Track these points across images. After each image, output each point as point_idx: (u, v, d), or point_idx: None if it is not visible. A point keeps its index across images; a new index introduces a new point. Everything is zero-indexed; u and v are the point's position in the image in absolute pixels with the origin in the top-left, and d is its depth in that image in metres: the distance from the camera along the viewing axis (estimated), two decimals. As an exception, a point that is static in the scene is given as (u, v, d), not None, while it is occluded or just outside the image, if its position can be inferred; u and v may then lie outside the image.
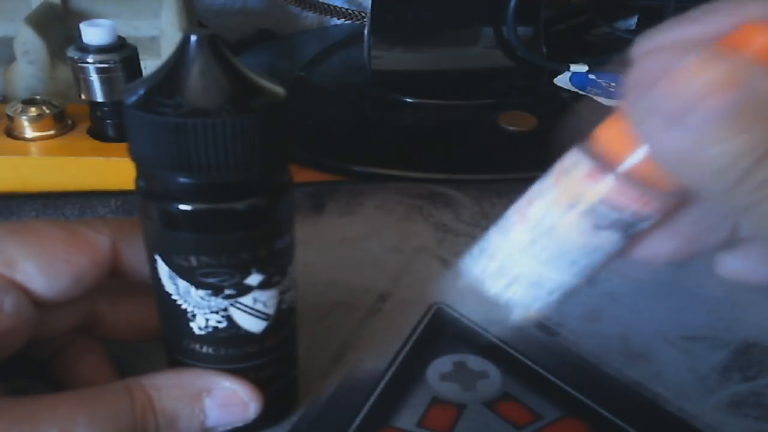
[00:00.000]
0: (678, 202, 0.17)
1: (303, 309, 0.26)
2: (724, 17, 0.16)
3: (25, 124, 0.41)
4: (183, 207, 0.21)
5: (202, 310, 0.23)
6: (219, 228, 0.21)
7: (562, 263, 0.17)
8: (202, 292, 0.22)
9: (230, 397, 0.24)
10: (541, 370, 0.30)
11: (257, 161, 0.20)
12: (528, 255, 0.17)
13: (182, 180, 0.20)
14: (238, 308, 0.23)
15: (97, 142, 0.41)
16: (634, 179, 0.16)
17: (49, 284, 0.23)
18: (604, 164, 0.16)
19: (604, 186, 0.16)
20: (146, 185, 0.21)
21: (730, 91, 0.14)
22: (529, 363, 0.30)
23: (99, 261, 0.24)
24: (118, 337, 0.27)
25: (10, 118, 0.41)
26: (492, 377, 0.29)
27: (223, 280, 0.22)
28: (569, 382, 0.29)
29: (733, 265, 0.19)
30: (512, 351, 0.30)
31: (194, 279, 0.22)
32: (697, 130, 0.14)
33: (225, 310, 0.23)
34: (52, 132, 0.41)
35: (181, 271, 0.22)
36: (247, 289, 0.22)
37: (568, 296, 0.18)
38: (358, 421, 0.27)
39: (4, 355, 0.23)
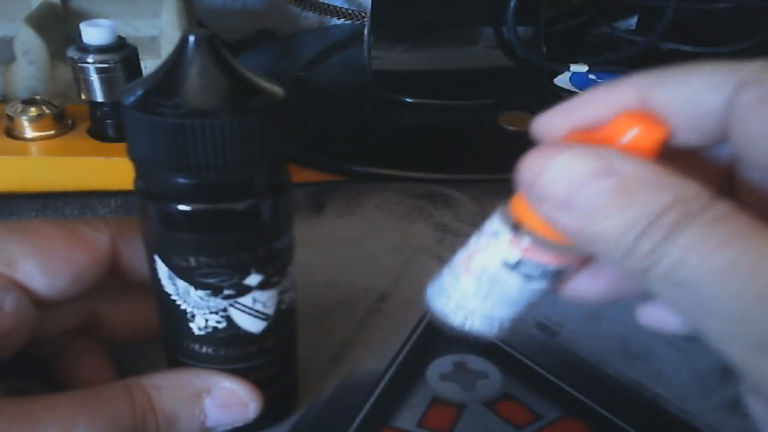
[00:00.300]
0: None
1: (303, 309, 0.26)
2: (604, 105, 0.18)
3: (25, 124, 0.41)
4: (182, 207, 0.21)
5: (201, 310, 0.23)
6: (218, 228, 0.21)
7: (506, 303, 0.20)
8: (201, 293, 0.22)
9: (230, 397, 0.24)
10: (541, 370, 0.30)
11: (256, 162, 0.20)
12: (476, 298, 0.20)
13: (181, 180, 0.20)
14: (238, 308, 0.23)
15: (97, 142, 0.41)
16: (546, 242, 0.18)
17: (50, 283, 0.23)
18: (522, 231, 0.19)
19: (523, 249, 0.19)
20: (145, 185, 0.21)
21: (601, 179, 0.16)
22: (529, 363, 0.30)
23: (99, 259, 0.24)
24: (118, 337, 0.27)
25: (10, 118, 0.41)
26: (492, 377, 0.29)
27: (223, 281, 0.22)
28: (569, 382, 0.29)
29: (650, 315, 0.20)
30: (512, 351, 0.30)
31: (193, 279, 0.22)
32: (582, 213, 0.16)
33: (224, 310, 0.23)
34: (52, 132, 0.41)
35: (180, 271, 0.22)
36: (246, 290, 0.22)
37: (518, 320, 0.21)
38: (358, 421, 0.27)
39: (5, 355, 0.23)
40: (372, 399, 0.28)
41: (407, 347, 0.31)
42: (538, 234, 0.18)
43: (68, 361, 0.26)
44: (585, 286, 0.20)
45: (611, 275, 0.20)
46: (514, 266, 0.19)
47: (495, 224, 0.20)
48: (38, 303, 0.23)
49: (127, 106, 0.20)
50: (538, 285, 0.19)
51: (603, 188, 0.16)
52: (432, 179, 0.44)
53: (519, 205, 0.19)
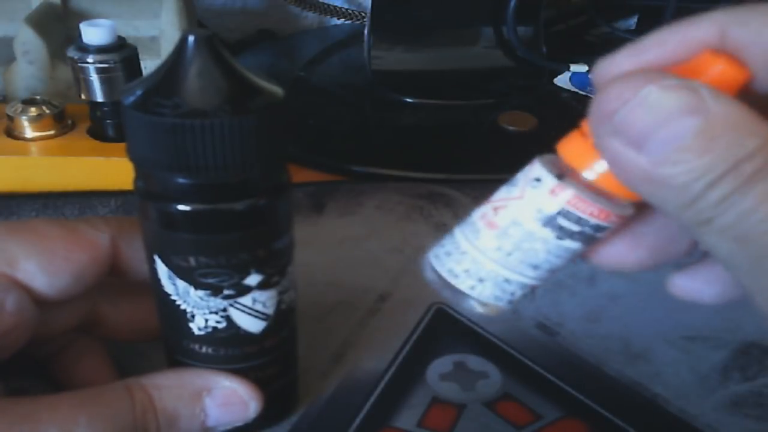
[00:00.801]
0: (638, 214, 0.18)
1: (303, 309, 0.26)
2: (679, 43, 0.17)
3: (25, 124, 0.41)
4: (181, 207, 0.21)
5: (201, 310, 0.23)
6: (217, 228, 0.21)
7: (525, 268, 0.18)
8: (201, 293, 0.22)
9: (230, 396, 0.24)
10: (541, 370, 0.30)
11: (255, 162, 0.20)
12: (494, 260, 0.18)
13: (180, 180, 0.20)
14: (238, 308, 0.23)
15: (97, 142, 0.41)
16: (594, 193, 0.17)
17: (50, 282, 0.23)
18: (567, 178, 0.17)
19: (567, 200, 0.17)
20: (145, 185, 0.21)
21: (688, 117, 0.15)
22: (529, 363, 0.30)
23: (99, 259, 0.24)
24: (118, 336, 0.27)
25: (10, 118, 0.41)
26: (492, 377, 0.29)
27: (222, 281, 0.22)
28: (569, 382, 0.29)
29: (684, 285, 0.20)
30: (512, 351, 0.30)
31: (193, 279, 0.22)
32: (656, 153, 0.15)
33: (224, 310, 0.23)
34: (52, 132, 0.41)
35: (179, 271, 0.22)
36: (246, 290, 0.22)
37: (528, 295, 0.19)
38: (358, 421, 0.27)
39: (5, 355, 0.23)
40: (372, 399, 0.28)
41: (407, 347, 0.31)
42: (588, 180, 0.17)
43: (69, 361, 0.26)
44: (623, 255, 0.19)
45: (652, 239, 0.19)
46: (551, 219, 0.17)
47: (535, 171, 0.18)
48: (39, 302, 0.23)
49: (127, 106, 0.20)
50: (569, 244, 0.18)
51: (688, 127, 0.15)
52: (432, 179, 0.44)
53: (571, 145, 0.17)
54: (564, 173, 0.18)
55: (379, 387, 0.29)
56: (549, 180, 0.17)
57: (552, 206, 0.17)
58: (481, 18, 0.56)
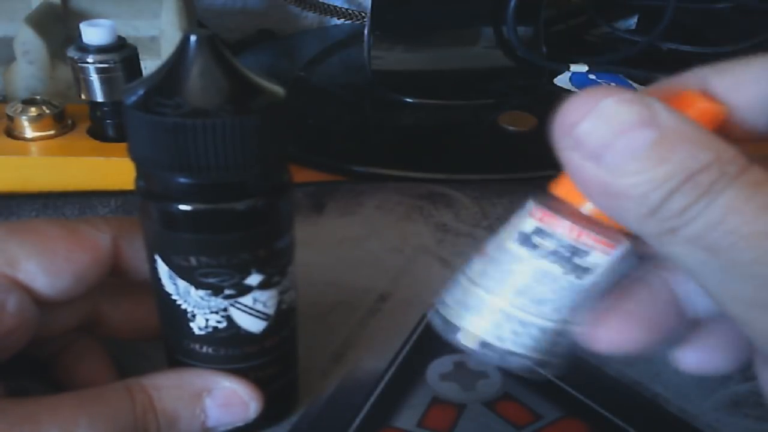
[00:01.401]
0: (621, 293, 0.19)
1: (303, 309, 0.26)
2: (667, 92, 0.18)
3: (25, 124, 0.41)
4: (182, 207, 0.21)
5: (201, 310, 0.23)
6: (218, 228, 0.21)
7: (527, 303, 0.18)
8: (201, 292, 0.22)
9: (231, 396, 0.24)
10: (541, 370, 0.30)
11: (256, 161, 0.20)
12: (488, 290, 0.19)
13: (181, 180, 0.20)
14: (238, 308, 0.23)
15: (97, 142, 0.41)
16: (567, 208, 0.18)
17: (51, 283, 0.23)
18: (545, 200, 0.18)
19: (539, 217, 0.18)
20: (146, 185, 0.21)
21: (643, 129, 0.15)
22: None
23: (100, 259, 0.24)
24: (119, 335, 0.27)
25: (10, 118, 0.41)
26: (492, 377, 0.29)
27: (223, 281, 0.22)
28: (569, 382, 0.29)
29: (693, 359, 0.20)
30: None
31: (194, 279, 0.22)
32: (613, 164, 0.15)
33: (225, 310, 0.23)
34: (52, 132, 0.41)
35: (180, 271, 0.22)
36: (246, 289, 0.22)
37: (562, 338, 0.19)
38: (358, 421, 0.27)
39: (7, 355, 0.23)
40: (372, 399, 0.28)
41: (407, 347, 0.31)
42: (562, 199, 0.18)
43: (69, 361, 0.26)
44: (616, 334, 0.19)
45: (643, 315, 0.19)
46: (526, 238, 0.18)
47: (526, 205, 0.19)
48: (40, 303, 0.23)
49: (129, 105, 0.20)
50: (550, 268, 0.18)
51: (641, 139, 0.15)
52: (432, 179, 0.44)
53: (560, 181, 0.18)
54: (553, 205, 0.18)
55: (379, 387, 0.29)
56: (530, 204, 0.18)
57: (527, 225, 0.18)
58: (481, 18, 0.56)
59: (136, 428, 0.22)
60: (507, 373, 0.29)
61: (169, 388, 0.23)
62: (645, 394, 0.29)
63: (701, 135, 0.15)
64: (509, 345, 0.19)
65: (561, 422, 0.27)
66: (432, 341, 0.31)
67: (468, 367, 0.30)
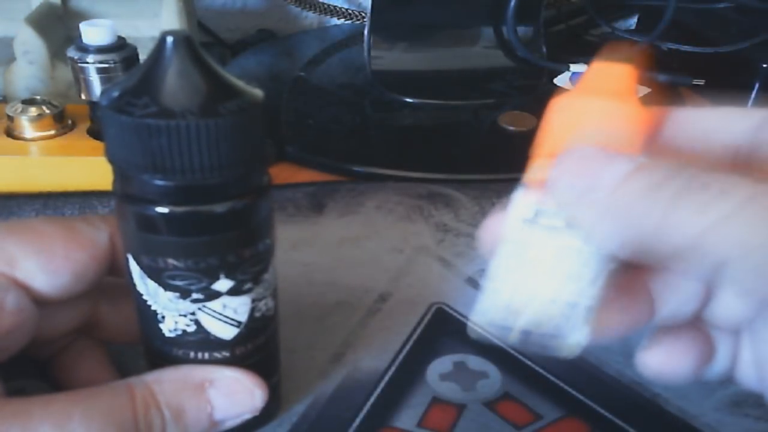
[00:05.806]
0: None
1: (303, 309, 0.26)
2: None
3: (25, 124, 0.41)
4: (150, 208, 0.20)
5: (170, 312, 0.22)
6: (185, 231, 0.21)
7: (542, 273, 0.18)
8: (170, 294, 0.22)
9: (234, 385, 0.23)
10: (541, 370, 0.30)
11: (220, 165, 0.20)
12: (507, 274, 0.19)
13: (147, 181, 0.20)
14: (207, 313, 0.22)
15: (97, 142, 0.41)
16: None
17: (50, 281, 0.23)
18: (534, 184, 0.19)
19: (533, 200, 0.19)
20: (119, 185, 0.21)
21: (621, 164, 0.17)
22: (529, 363, 0.30)
23: (98, 257, 0.24)
24: (118, 339, 0.27)
25: (10, 118, 0.41)
26: (492, 377, 0.29)
27: (191, 284, 0.22)
28: (569, 382, 0.29)
29: (653, 360, 0.21)
30: (512, 351, 0.30)
31: (162, 281, 0.22)
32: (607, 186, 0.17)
33: (193, 314, 0.22)
34: (52, 132, 0.41)
35: (150, 271, 0.22)
36: (215, 295, 0.22)
37: (591, 315, 0.19)
38: (358, 421, 0.27)
39: (6, 355, 0.23)
40: (372, 399, 0.28)
41: (407, 347, 0.31)
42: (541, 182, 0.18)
43: (69, 362, 0.26)
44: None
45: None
46: (534, 221, 0.18)
47: (514, 197, 0.19)
48: (39, 302, 0.23)
49: (103, 105, 0.20)
50: (570, 239, 0.18)
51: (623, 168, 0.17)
52: (432, 179, 0.44)
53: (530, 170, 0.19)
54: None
55: (379, 387, 0.29)
56: (520, 193, 0.19)
57: (528, 211, 0.19)
58: (481, 18, 0.56)
59: (137, 423, 0.21)
60: (507, 374, 0.29)
61: (171, 381, 0.23)
62: (645, 394, 0.29)
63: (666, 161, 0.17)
64: (565, 330, 0.19)
65: (561, 422, 0.27)
66: (432, 341, 0.31)
67: (468, 367, 0.30)
